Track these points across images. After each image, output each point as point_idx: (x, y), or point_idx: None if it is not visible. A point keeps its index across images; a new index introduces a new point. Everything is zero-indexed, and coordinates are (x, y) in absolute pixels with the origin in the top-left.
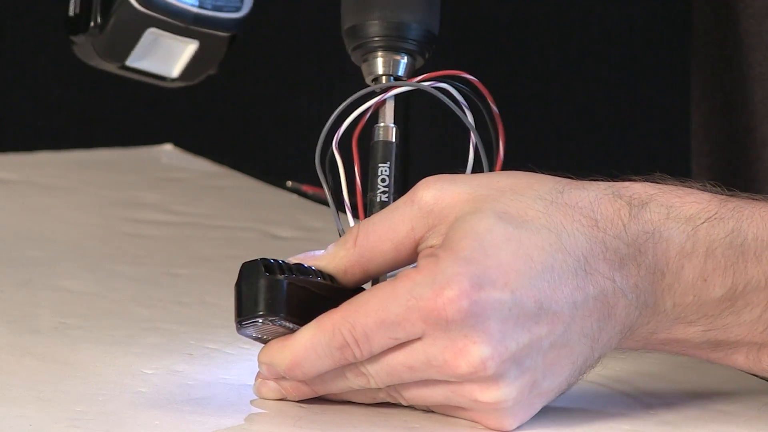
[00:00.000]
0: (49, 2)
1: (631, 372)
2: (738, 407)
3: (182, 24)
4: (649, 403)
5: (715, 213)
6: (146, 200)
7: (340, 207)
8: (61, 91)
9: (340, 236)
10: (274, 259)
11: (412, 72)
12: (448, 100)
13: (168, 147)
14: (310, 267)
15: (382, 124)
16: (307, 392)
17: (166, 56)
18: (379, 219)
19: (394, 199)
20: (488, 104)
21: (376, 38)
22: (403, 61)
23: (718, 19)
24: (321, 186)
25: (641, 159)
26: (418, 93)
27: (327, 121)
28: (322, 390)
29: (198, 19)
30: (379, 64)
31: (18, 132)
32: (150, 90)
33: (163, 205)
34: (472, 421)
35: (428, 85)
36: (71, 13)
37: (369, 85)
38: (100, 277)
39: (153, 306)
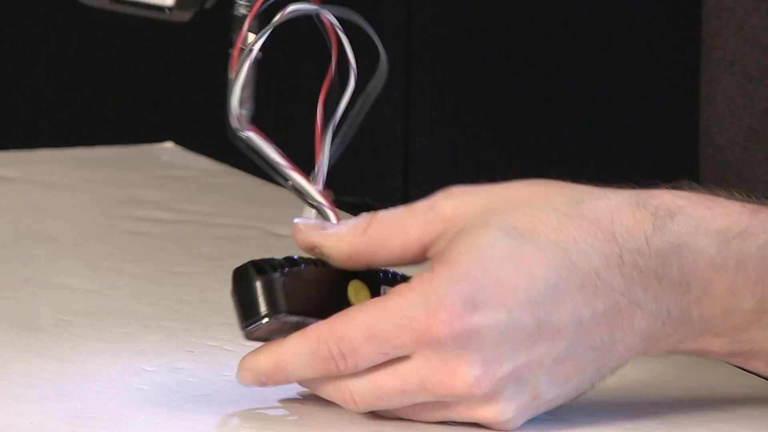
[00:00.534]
0: (50, 2)
1: (632, 372)
2: (738, 407)
3: None
4: (650, 402)
5: (747, 227)
6: (147, 198)
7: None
8: (62, 89)
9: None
10: (262, 259)
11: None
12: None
13: (169, 145)
14: (299, 257)
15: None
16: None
17: None
18: (394, 216)
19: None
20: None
21: None
22: None
23: (721, 22)
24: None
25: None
26: (417, 94)
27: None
28: (307, 387)
29: None
30: None
31: (19, 130)
32: (151, 88)
33: (164, 203)
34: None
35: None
36: None
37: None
38: (101, 274)
39: (154, 303)
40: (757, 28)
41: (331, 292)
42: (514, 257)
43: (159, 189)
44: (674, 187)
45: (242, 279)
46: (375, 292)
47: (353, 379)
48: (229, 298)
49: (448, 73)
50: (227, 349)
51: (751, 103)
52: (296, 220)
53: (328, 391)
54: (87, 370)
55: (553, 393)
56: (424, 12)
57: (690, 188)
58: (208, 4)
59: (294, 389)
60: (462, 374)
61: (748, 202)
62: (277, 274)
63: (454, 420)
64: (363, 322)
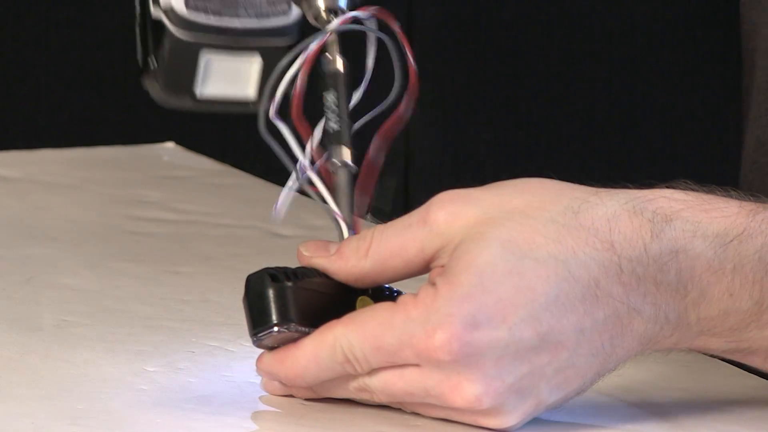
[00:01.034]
0: (51, 2)
1: (632, 372)
2: (738, 407)
3: (231, 40)
4: (650, 402)
5: (744, 229)
6: (148, 198)
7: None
8: (62, 89)
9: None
10: (277, 267)
11: (353, 4)
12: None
13: (170, 145)
14: (310, 268)
15: (327, 55)
16: (310, 395)
17: (235, 78)
18: (392, 233)
19: (350, 125)
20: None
21: None
22: None
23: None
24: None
25: (647, 160)
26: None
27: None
28: (325, 394)
29: (245, 32)
30: (320, 1)
31: (20, 130)
32: None
33: (164, 203)
34: None
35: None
36: (140, 63)
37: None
38: (102, 274)
39: (155, 304)
40: None
41: (341, 305)
42: (514, 274)
43: (160, 189)
44: (669, 186)
45: (255, 286)
46: None
47: (366, 378)
48: (230, 298)
49: (449, 73)
50: (228, 349)
51: None
52: (299, 245)
53: (351, 389)
54: (88, 371)
55: (554, 399)
56: (425, 12)
57: (686, 188)
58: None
59: None
60: (463, 391)
61: (746, 201)
62: (290, 284)
63: (456, 420)
64: (371, 332)
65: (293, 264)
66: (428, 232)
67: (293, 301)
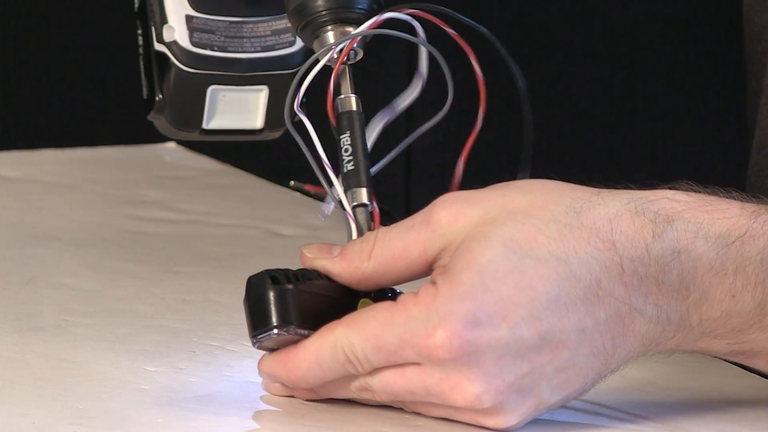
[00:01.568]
0: (51, 2)
1: (633, 372)
2: (740, 407)
3: (238, 73)
4: (651, 403)
5: (746, 231)
6: (149, 198)
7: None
8: (63, 89)
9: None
10: (278, 269)
11: (364, 43)
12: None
13: (171, 145)
14: (312, 270)
15: (341, 96)
16: (312, 396)
17: (242, 110)
18: (395, 235)
19: (367, 164)
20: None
21: (324, 12)
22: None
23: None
24: (323, 185)
25: (646, 160)
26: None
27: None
28: (327, 395)
29: (252, 65)
30: (331, 39)
31: (21, 130)
32: None
33: (166, 203)
34: None
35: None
36: (144, 96)
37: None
38: (103, 274)
39: (156, 303)
40: None
41: (342, 308)
42: (515, 273)
43: (161, 189)
44: (671, 187)
45: (256, 288)
46: None
47: (368, 377)
48: (231, 298)
49: (449, 73)
50: (229, 349)
51: None
52: (302, 247)
53: (352, 389)
54: (89, 370)
55: (555, 398)
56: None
57: (688, 189)
58: (297, 118)
59: None
60: (463, 389)
61: (748, 202)
62: (290, 286)
63: (456, 420)
64: (372, 332)
65: (294, 263)
66: (431, 233)
67: (293, 304)
